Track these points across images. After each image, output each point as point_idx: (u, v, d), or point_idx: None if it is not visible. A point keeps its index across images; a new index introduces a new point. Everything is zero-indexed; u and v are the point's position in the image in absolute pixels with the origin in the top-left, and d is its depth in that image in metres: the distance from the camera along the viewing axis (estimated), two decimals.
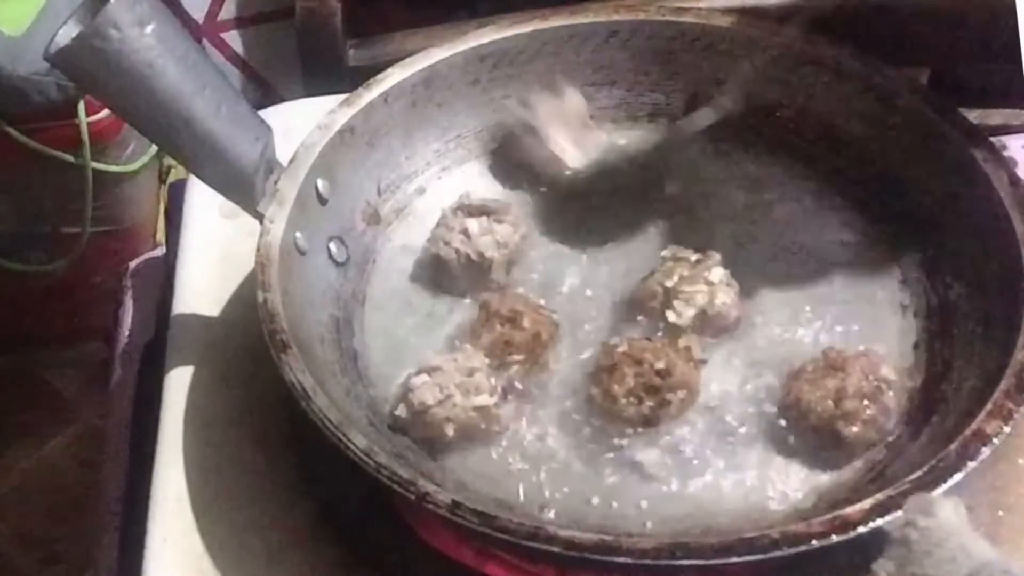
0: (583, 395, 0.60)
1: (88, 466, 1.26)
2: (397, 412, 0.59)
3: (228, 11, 1.32)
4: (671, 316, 0.62)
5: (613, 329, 0.64)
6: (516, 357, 0.61)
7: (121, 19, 0.52)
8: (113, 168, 1.19)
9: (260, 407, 0.63)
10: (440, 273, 0.66)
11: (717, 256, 0.64)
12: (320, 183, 0.65)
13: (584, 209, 0.70)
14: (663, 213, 0.70)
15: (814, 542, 0.48)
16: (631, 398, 0.58)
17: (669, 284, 0.63)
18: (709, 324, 0.62)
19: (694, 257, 0.64)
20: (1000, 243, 0.61)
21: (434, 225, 0.68)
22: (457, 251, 0.65)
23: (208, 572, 0.57)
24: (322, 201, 0.65)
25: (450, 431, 0.58)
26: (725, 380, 0.61)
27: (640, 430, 0.58)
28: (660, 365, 0.58)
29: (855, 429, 0.57)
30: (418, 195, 0.71)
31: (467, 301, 0.66)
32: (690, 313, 0.62)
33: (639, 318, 0.63)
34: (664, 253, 0.65)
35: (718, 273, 0.63)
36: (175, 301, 0.69)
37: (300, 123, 0.66)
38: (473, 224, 0.66)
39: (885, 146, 0.69)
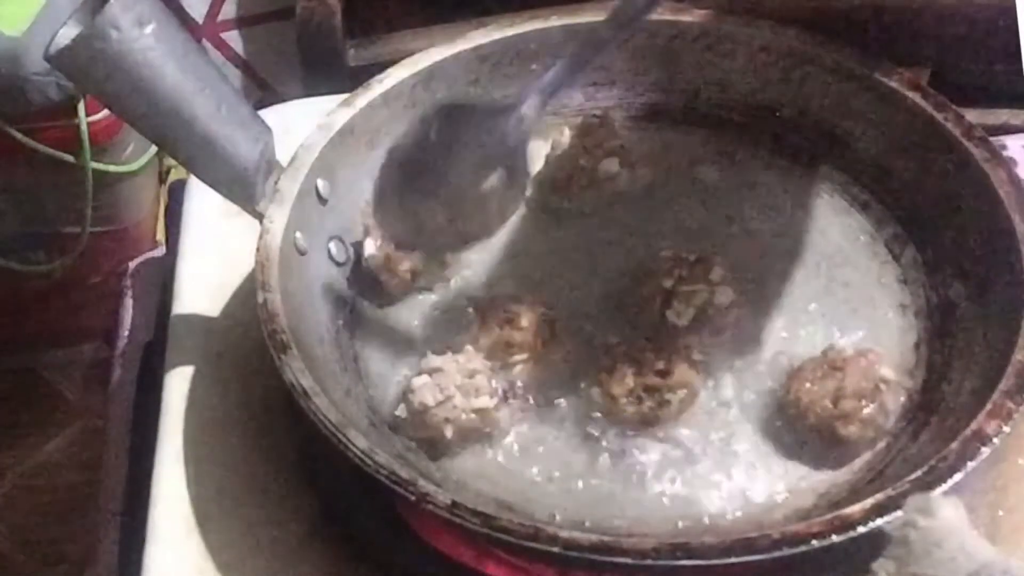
0: (583, 396, 0.60)
1: (88, 466, 1.25)
2: (397, 412, 0.59)
3: (228, 11, 1.32)
4: (671, 316, 0.62)
5: (613, 329, 0.64)
6: (519, 356, 0.61)
7: (121, 19, 0.52)
8: (113, 168, 1.19)
9: (260, 407, 0.63)
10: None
11: (717, 256, 0.64)
12: (320, 183, 0.65)
13: (585, 210, 0.70)
14: (663, 213, 0.70)
15: (814, 542, 0.48)
16: (631, 398, 0.58)
17: (668, 284, 0.62)
18: (709, 324, 0.62)
19: (693, 257, 0.64)
20: (1000, 243, 0.61)
21: None
22: None
23: (208, 572, 0.57)
24: (322, 201, 0.65)
25: (449, 432, 0.58)
26: (725, 380, 0.61)
27: (640, 430, 0.59)
28: (660, 365, 0.58)
29: (854, 429, 0.57)
30: None
31: (467, 301, 0.66)
32: (690, 313, 0.62)
33: (639, 318, 0.63)
34: (664, 253, 0.65)
35: (718, 273, 0.63)
36: (175, 301, 0.69)
37: (300, 123, 0.66)
38: None
39: (885, 146, 0.69)
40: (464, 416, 0.57)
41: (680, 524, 0.56)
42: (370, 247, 0.65)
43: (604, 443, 0.59)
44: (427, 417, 0.58)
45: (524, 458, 0.59)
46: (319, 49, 0.91)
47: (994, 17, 0.73)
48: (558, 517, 0.56)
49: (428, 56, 0.70)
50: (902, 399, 0.59)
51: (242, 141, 0.59)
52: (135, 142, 1.21)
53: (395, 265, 0.65)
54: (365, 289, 0.66)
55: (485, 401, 0.58)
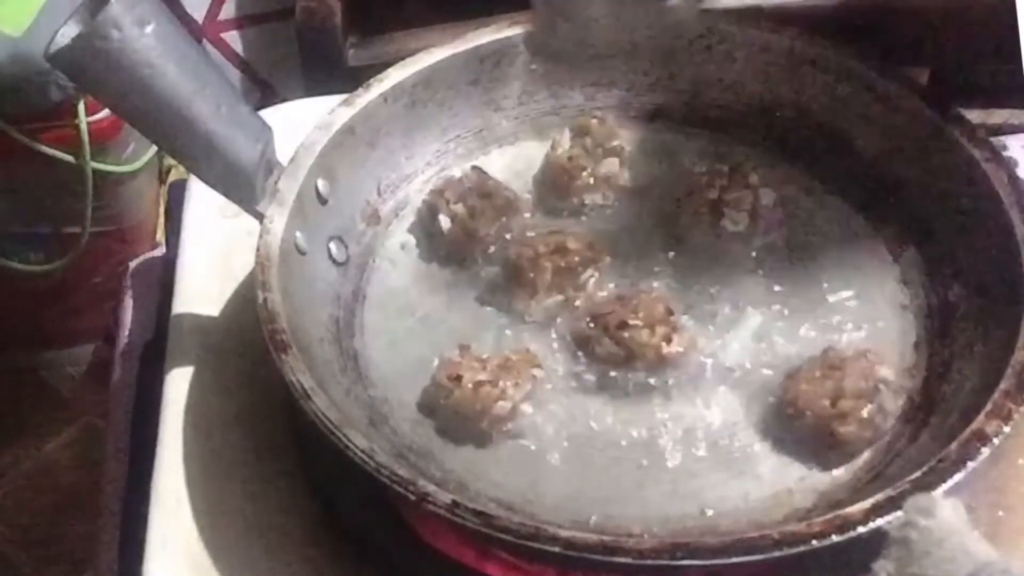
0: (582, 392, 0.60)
1: (88, 466, 1.25)
2: (428, 388, 0.60)
3: (228, 11, 1.32)
4: (727, 224, 0.65)
5: (663, 252, 0.67)
6: (590, 271, 0.64)
7: (121, 19, 0.52)
8: (113, 168, 1.19)
9: (260, 407, 0.63)
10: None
11: (750, 164, 0.67)
12: (320, 183, 0.65)
13: (586, 209, 0.70)
14: (664, 214, 0.70)
15: (814, 542, 0.48)
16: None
17: (713, 196, 0.65)
18: (760, 223, 0.65)
19: (727, 167, 0.67)
20: (1000, 243, 0.61)
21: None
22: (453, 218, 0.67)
23: (208, 572, 0.57)
24: (322, 201, 0.65)
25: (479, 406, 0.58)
26: (723, 379, 0.61)
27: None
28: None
29: (852, 429, 0.57)
30: (418, 195, 0.71)
31: (467, 301, 0.66)
32: (743, 218, 0.65)
33: (691, 235, 0.66)
34: (697, 169, 0.68)
35: (755, 178, 0.66)
36: (175, 301, 0.69)
37: (300, 123, 0.66)
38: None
39: (885, 146, 0.69)
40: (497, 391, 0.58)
41: (680, 524, 0.55)
42: (446, 223, 0.67)
43: (604, 444, 0.59)
44: (460, 391, 0.58)
45: (525, 457, 0.59)
46: (319, 49, 0.91)
47: (994, 17, 0.73)
48: (558, 517, 0.56)
49: (428, 56, 0.70)
50: (901, 399, 0.59)
51: (242, 141, 0.60)
52: (135, 142, 1.21)
53: (473, 231, 0.67)
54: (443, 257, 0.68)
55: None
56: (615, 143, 0.70)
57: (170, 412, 0.63)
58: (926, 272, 0.65)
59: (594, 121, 0.70)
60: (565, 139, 0.70)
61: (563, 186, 0.70)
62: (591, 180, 0.69)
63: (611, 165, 0.70)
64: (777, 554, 0.48)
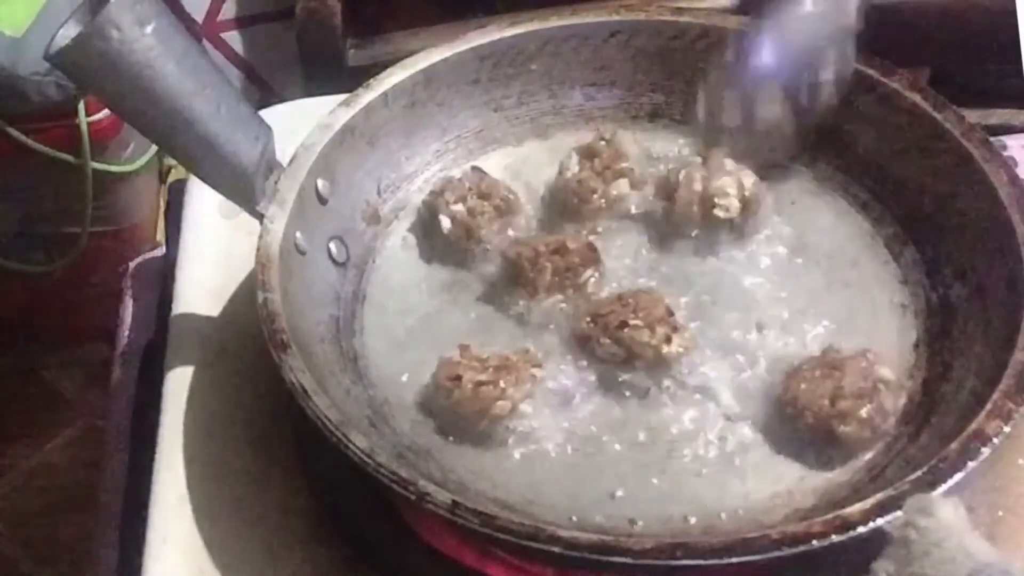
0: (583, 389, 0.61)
1: (88, 466, 1.25)
2: (427, 387, 0.60)
3: (228, 11, 1.32)
4: (720, 213, 0.65)
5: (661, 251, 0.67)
6: (590, 271, 0.64)
7: (121, 19, 0.52)
8: (113, 168, 1.19)
9: (260, 407, 0.63)
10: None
11: (719, 151, 0.67)
12: (320, 183, 0.65)
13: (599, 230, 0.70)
14: (661, 212, 0.70)
15: (814, 542, 0.48)
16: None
17: (698, 188, 0.65)
18: (750, 208, 0.66)
19: (700, 159, 0.66)
20: (1000, 243, 0.61)
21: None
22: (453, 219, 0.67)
23: (208, 572, 0.57)
24: (322, 201, 0.65)
25: (476, 405, 0.58)
26: (723, 379, 0.61)
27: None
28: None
29: (851, 428, 0.57)
30: (418, 195, 0.71)
31: (467, 301, 0.66)
32: (734, 204, 0.65)
33: (688, 231, 0.67)
34: (670, 167, 0.68)
35: (730, 163, 0.66)
36: (175, 301, 0.69)
37: (300, 123, 0.66)
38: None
39: (885, 146, 0.69)
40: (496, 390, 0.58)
41: (679, 524, 0.55)
42: (446, 223, 0.67)
43: (603, 444, 0.59)
44: (460, 391, 0.58)
45: (525, 458, 0.59)
46: (319, 49, 0.91)
47: (994, 17, 0.73)
48: (557, 516, 0.56)
49: (428, 56, 0.71)
50: (901, 399, 0.59)
51: (242, 141, 0.60)
52: (135, 142, 1.22)
53: (473, 231, 0.67)
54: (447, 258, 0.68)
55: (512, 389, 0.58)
56: (623, 164, 0.69)
57: (170, 412, 0.63)
58: (926, 272, 0.65)
59: (602, 143, 0.70)
60: (572, 163, 0.70)
61: (574, 210, 0.69)
62: (602, 202, 0.69)
63: (621, 187, 0.69)
64: (777, 554, 0.48)
